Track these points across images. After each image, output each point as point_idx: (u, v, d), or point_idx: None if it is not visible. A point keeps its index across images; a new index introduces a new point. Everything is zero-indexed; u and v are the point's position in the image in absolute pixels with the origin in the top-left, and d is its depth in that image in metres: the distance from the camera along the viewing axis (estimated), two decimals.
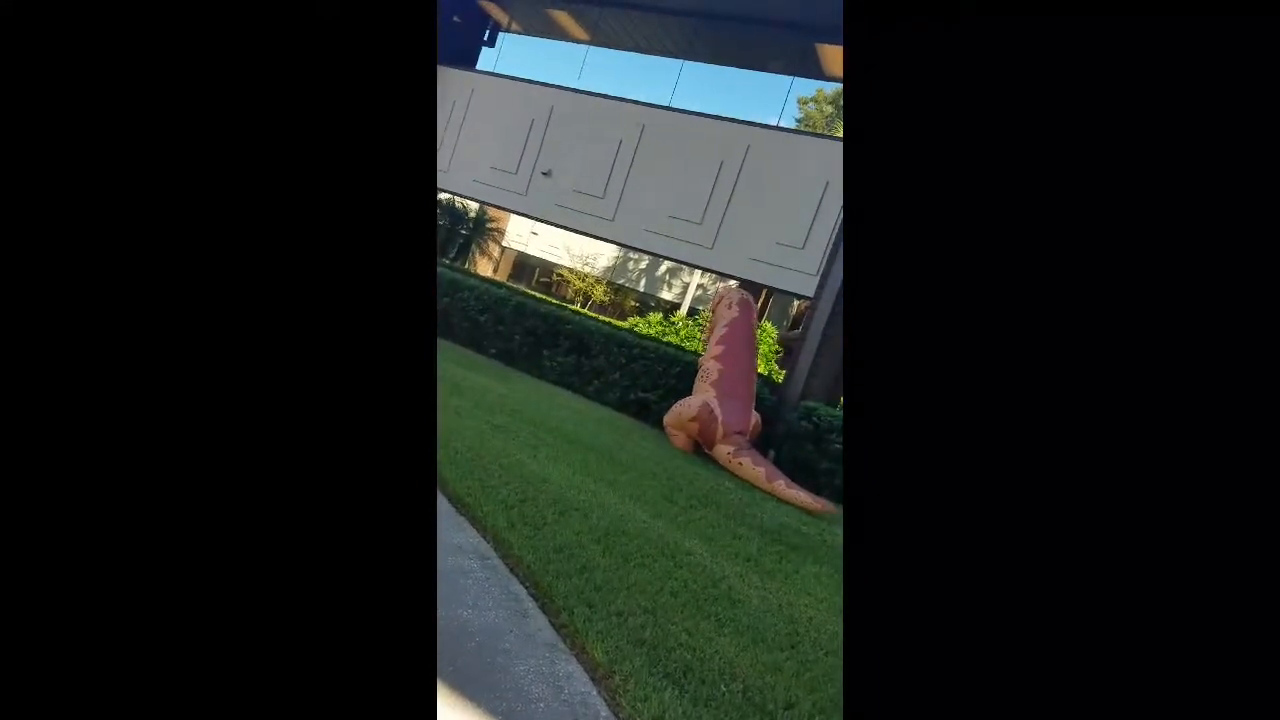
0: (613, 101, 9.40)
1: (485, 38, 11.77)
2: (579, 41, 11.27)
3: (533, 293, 13.34)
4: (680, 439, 5.96)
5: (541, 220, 10.44)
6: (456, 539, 2.60)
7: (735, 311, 6.58)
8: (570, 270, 23.73)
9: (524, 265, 25.77)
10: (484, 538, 2.69)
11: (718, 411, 5.74)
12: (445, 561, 2.38)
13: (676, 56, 10.47)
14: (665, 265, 21.32)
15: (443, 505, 2.90)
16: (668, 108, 9.15)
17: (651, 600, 2.50)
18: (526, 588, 2.37)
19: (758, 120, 8.63)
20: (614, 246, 24.00)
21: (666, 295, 22.31)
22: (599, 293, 26.33)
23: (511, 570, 2.47)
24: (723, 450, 5.62)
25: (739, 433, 5.71)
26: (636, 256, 23.12)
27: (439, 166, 10.78)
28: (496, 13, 11.69)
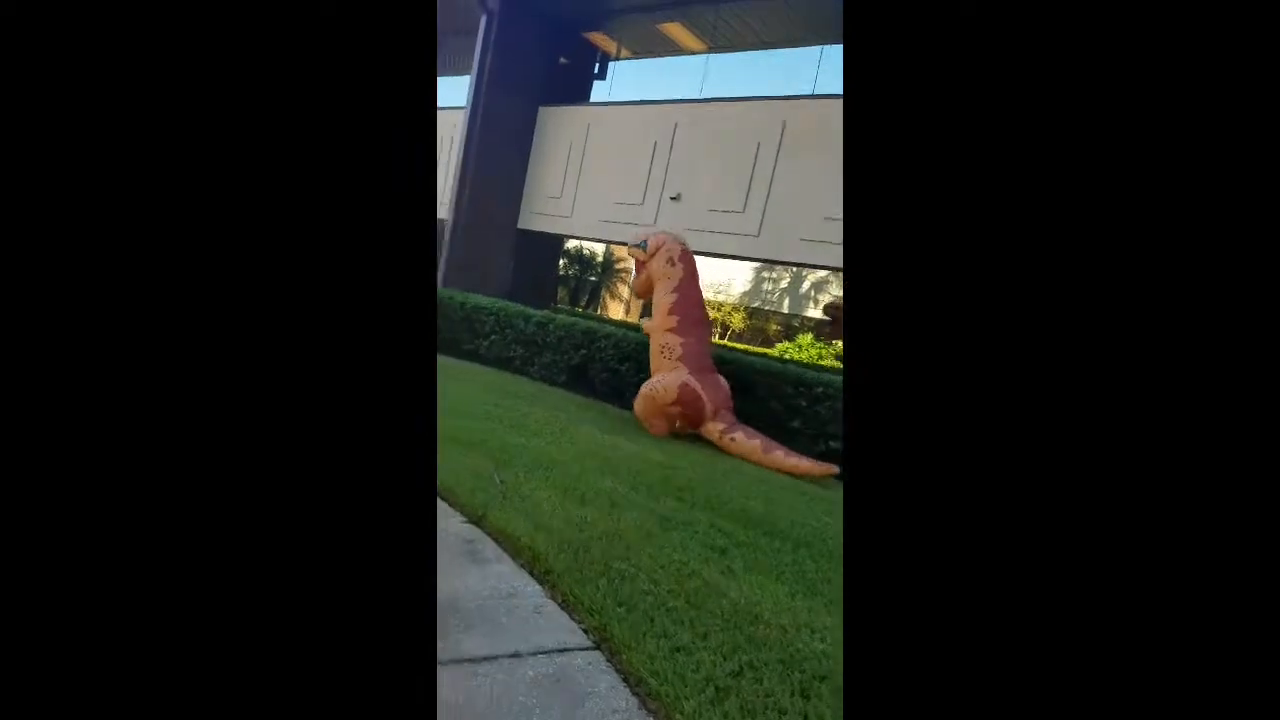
0: (741, 103, 8.28)
1: (595, 70, 11.29)
2: (697, 52, 10.36)
3: None
4: (660, 426, 5.42)
5: None
6: None
7: (681, 270, 5.59)
8: None
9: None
10: None
11: (699, 389, 5.29)
12: None
13: (811, 44, 9.18)
14: (809, 279, 19.55)
15: (622, 696, 1.79)
16: (810, 95, 7.84)
17: None
18: None
19: None
20: (749, 268, 22.72)
21: (814, 313, 20.38)
22: (737, 320, 25.11)
23: None
24: (714, 429, 5.31)
25: (725, 408, 5.41)
26: (775, 275, 21.60)
27: (561, 213, 10.30)
28: (604, 43, 11.17)
